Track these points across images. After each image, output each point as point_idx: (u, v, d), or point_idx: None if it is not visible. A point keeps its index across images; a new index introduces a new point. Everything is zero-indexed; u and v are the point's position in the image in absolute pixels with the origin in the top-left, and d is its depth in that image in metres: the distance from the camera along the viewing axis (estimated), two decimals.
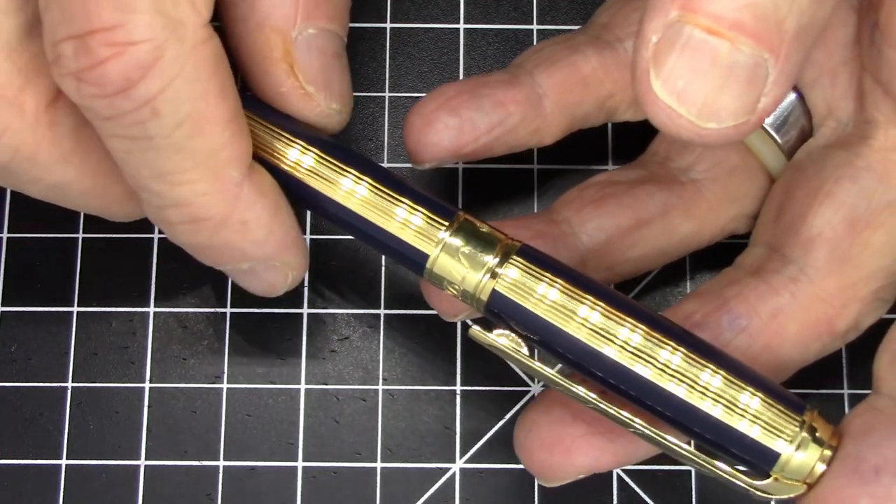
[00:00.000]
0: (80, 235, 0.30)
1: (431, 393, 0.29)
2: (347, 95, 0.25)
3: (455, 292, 0.24)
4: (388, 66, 0.31)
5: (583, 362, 0.23)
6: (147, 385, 0.29)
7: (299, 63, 0.23)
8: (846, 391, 0.29)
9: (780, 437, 0.22)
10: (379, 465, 0.29)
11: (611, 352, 0.22)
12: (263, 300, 0.29)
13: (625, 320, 0.22)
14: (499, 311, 0.23)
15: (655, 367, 0.22)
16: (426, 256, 0.23)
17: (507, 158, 0.30)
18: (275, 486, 0.28)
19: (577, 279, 0.23)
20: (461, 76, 0.31)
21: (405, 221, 0.23)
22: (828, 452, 0.22)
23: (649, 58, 0.20)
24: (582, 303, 0.23)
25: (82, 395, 0.29)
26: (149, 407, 0.29)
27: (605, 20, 0.27)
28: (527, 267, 0.23)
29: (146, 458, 0.29)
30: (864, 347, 0.25)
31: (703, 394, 0.22)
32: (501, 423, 0.29)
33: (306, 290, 0.30)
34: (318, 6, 0.24)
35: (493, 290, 0.23)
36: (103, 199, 0.23)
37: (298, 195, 0.24)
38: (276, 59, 0.23)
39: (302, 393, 0.29)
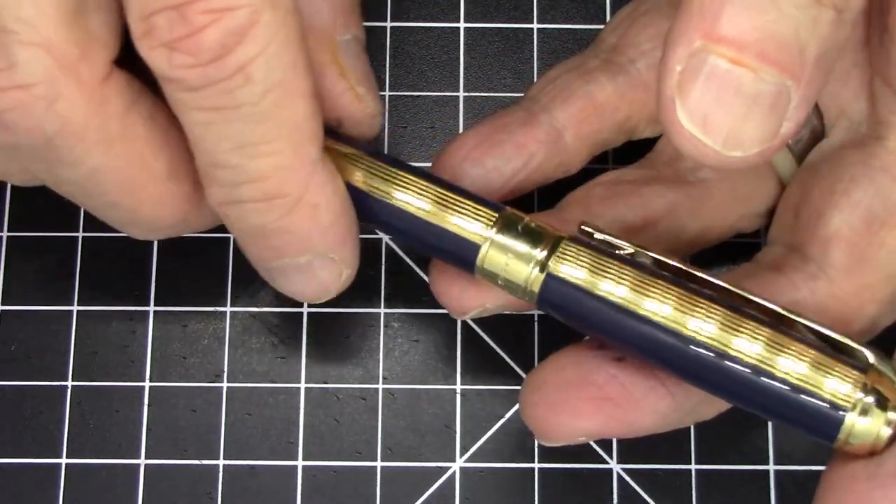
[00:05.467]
0: (80, 235, 0.30)
1: (431, 392, 0.29)
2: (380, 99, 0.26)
3: (508, 288, 0.24)
4: (388, 65, 0.31)
5: (642, 345, 0.23)
6: (147, 384, 0.29)
7: (348, 66, 0.24)
8: None
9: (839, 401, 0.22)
10: (379, 464, 0.29)
11: (673, 332, 0.23)
12: (263, 299, 0.29)
13: (699, 302, 0.23)
14: (553, 300, 0.24)
15: (714, 337, 0.22)
16: (476, 253, 0.24)
17: None
18: (275, 485, 0.28)
19: (629, 262, 0.23)
20: (461, 75, 0.31)
21: (454, 220, 0.24)
22: (892, 416, 0.21)
23: (674, 87, 0.20)
24: (647, 288, 0.23)
25: (82, 394, 0.29)
26: (149, 406, 0.29)
27: (613, 41, 0.27)
28: (577, 256, 0.23)
29: (146, 458, 0.29)
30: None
31: (772, 367, 0.22)
32: (501, 422, 0.29)
33: None
34: (352, 13, 0.24)
35: (546, 280, 0.23)
36: (136, 195, 0.23)
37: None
38: (329, 63, 0.24)
39: (302, 392, 0.29)
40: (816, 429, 0.22)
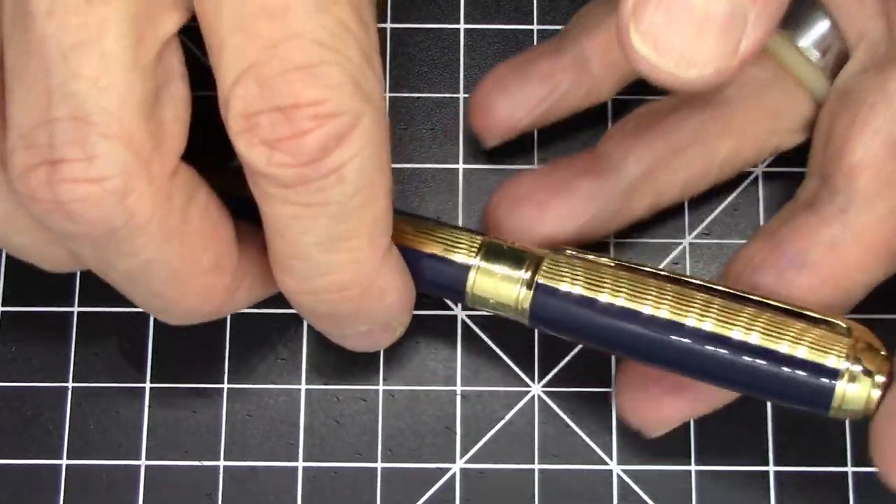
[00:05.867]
0: None
1: (431, 393, 0.29)
2: None
3: (498, 310, 0.25)
4: (388, 66, 0.31)
5: (640, 348, 0.24)
6: (148, 385, 0.29)
7: None
8: None
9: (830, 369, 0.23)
10: (379, 465, 0.29)
11: (670, 330, 0.24)
12: (263, 300, 0.29)
13: (693, 297, 0.24)
14: (544, 315, 0.25)
15: (689, 326, 0.24)
16: (464, 282, 0.25)
17: (507, 159, 0.30)
18: (275, 487, 0.28)
19: (613, 269, 0.25)
20: (461, 76, 0.31)
21: (438, 252, 0.25)
22: (881, 378, 0.23)
23: (629, 13, 0.20)
24: (639, 290, 0.24)
25: (82, 395, 0.29)
26: (149, 407, 0.29)
27: None
28: (562, 269, 0.25)
29: (147, 459, 0.29)
30: None
31: (768, 351, 0.23)
32: (501, 423, 0.29)
33: None
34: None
35: (534, 297, 0.24)
36: (181, 287, 0.23)
37: None
38: None
39: (302, 393, 0.29)
40: (811, 401, 0.23)
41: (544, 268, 0.25)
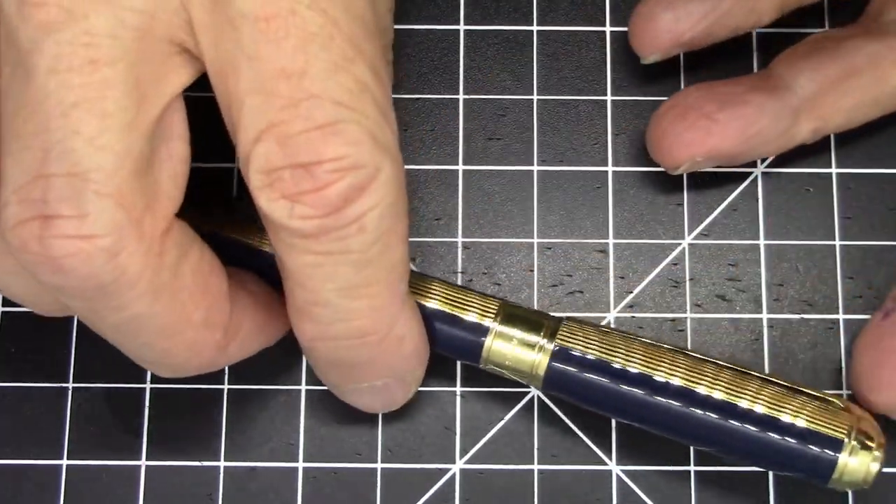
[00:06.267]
0: None
1: (431, 394, 0.29)
2: None
3: (513, 374, 0.26)
4: None
5: (653, 417, 0.25)
6: (148, 385, 0.29)
7: None
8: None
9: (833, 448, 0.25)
10: (379, 465, 0.29)
11: (682, 400, 0.25)
12: None
13: (705, 370, 0.25)
14: (557, 383, 0.26)
15: (697, 399, 0.25)
16: (481, 346, 0.26)
17: (507, 160, 0.30)
18: (275, 487, 0.29)
19: (628, 338, 0.26)
20: (461, 77, 0.31)
21: (456, 314, 0.26)
22: (878, 453, 0.24)
23: None
24: (655, 360, 0.25)
25: (82, 395, 0.29)
26: (149, 407, 0.29)
27: None
28: (575, 339, 0.26)
29: (147, 459, 0.29)
30: None
31: (774, 424, 0.25)
32: (501, 423, 0.29)
33: None
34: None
35: (549, 364, 0.26)
36: (171, 340, 0.23)
37: None
38: None
39: (302, 393, 0.29)
40: (813, 471, 0.25)
41: (561, 333, 0.26)
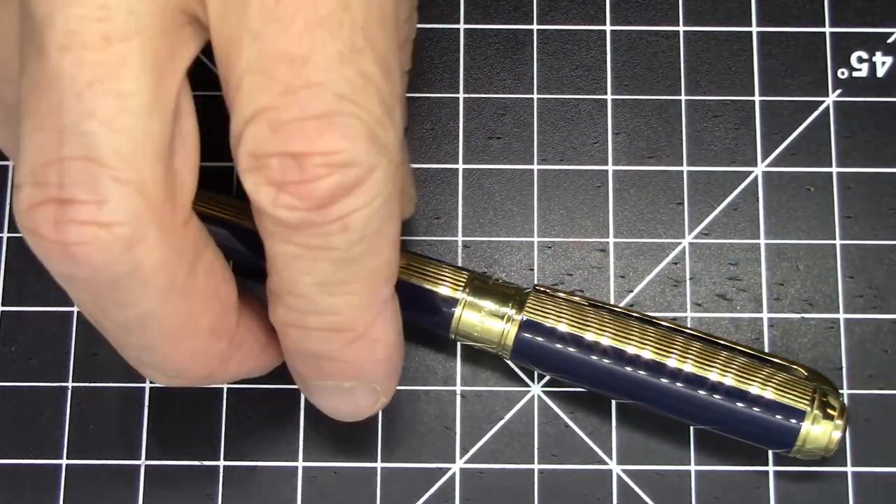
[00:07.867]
0: None
1: (431, 393, 0.29)
2: None
3: (482, 343, 0.27)
4: None
5: (621, 386, 0.26)
6: (147, 385, 0.29)
7: (401, 167, 0.25)
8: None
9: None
10: (379, 465, 0.29)
11: (650, 370, 0.26)
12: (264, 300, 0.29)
13: (674, 340, 0.26)
14: (526, 353, 0.27)
15: (667, 371, 0.26)
16: (451, 316, 0.27)
17: (507, 159, 0.30)
18: (275, 486, 0.29)
19: (589, 310, 0.27)
20: (461, 77, 0.31)
21: (426, 286, 0.27)
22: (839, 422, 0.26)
23: None
24: (598, 329, 0.26)
25: (82, 395, 0.29)
26: (149, 407, 0.29)
27: None
28: (543, 309, 0.26)
29: (146, 459, 0.29)
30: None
31: (741, 394, 0.26)
32: (501, 423, 0.29)
33: None
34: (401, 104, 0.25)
35: (519, 332, 0.26)
36: (175, 345, 0.22)
37: None
38: None
39: (302, 393, 0.29)
40: (776, 440, 0.26)
41: (529, 304, 0.26)
